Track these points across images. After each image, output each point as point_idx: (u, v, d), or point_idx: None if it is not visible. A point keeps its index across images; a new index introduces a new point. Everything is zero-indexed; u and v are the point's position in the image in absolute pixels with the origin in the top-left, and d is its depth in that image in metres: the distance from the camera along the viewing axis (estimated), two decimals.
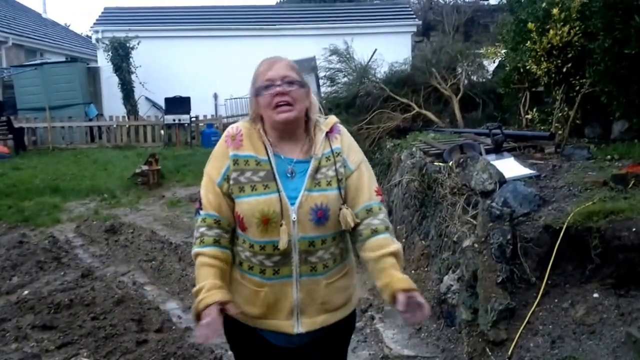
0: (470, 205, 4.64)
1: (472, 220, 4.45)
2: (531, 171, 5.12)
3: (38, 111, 15.38)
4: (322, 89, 10.84)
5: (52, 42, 23.07)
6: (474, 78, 10.23)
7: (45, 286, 5.43)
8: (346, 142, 2.16)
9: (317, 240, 2.05)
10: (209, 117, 16.37)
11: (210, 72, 17.76)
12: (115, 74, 16.82)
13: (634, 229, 3.46)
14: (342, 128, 2.20)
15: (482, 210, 4.24)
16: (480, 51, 10.33)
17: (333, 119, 2.19)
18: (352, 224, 2.06)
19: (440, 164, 5.66)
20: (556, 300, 3.65)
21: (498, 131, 6.23)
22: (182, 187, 10.21)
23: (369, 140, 8.61)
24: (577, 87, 6.43)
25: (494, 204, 4.15)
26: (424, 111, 9.10)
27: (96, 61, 19.38)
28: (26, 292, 5.25)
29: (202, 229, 2.09)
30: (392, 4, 24.07)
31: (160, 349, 4.15)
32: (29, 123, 15.23)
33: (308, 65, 11.60)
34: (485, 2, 22.44)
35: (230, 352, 3.96)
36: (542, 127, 6.92)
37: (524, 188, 4.38)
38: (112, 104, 17.35)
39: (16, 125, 14.56)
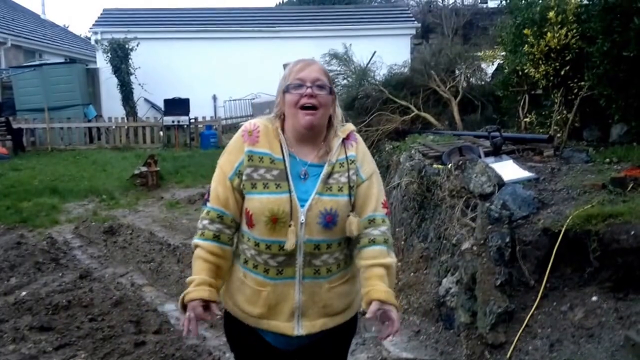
0: (469, 208, 4.65)
1: (471, 222, 4.45)
2: (530, 174, 5.12)
3: (37, 112, 15.35)
4: None
5: (51, 43, 23.06)
6: (473, 81, 10.25)
7: (43, 287, 5.42)
8: (361, 151, 2.17)
9: (322, 244, 2.06)
10: (208, 118, 16.36)
11: (209, 74, 17.77)
12: (114, 75, 16.81)
13: (632, 233, 3.46)
14: (359, 136, 2.21)
15: (481, 213, 4.24)
16: (479, 54, 10.35)
17: (350, 126, 2.20)
18: (356, 233, 2.06)
19: (439, 166, 5.67)
20: (555, 304, 3.65)
21: (497, 134, 6.24)
22: (181, 189, 10.20)
23: (368, 143, 8.61)
24: (576, 90, 6.44)
25: (492, 207, 4.16)
26: (423, 113, 9.11)
27: (95, 62, 19.37)
28: (24, 293, 5.23)
29: (205, 222, 2.11)
30: (391, 6, 24.13)
31: (159, 351, 4.13)
32: (28, 124, 15.20)
33: None
34: (484, 5, 22.47)
35: (228, 355, 3.98)
36: (541, 130, 6.93)
37: (522, 191, 4.39)
38: (111, 105, 17.35)
39: (15, 126, 14.53)
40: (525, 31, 6.66)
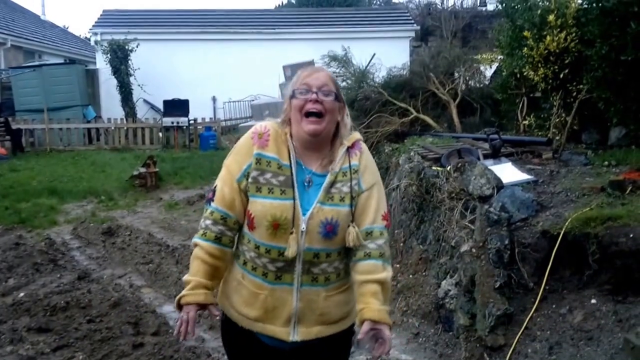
0: (468, 210, 4.65)
1: (470, 225, 4.45)
2: (529, 176, 5.13)
3: (36, 113, 15.32)
4: None
5: (50, 44, 23.06)
6: (472, 83, 10.25)
7: (41, 288, 5.41)
8: (364, 161, 2.15)
9: (322, 253, 2.06)
10: (207, 120, 16.34)
11: (208, 75, 17.76)
12: (113, 76, 16.79)
13: (631, 235, 3.47)
14: (364, 146, 2.19)
15: (480, 215, 4.24)
16: (478, 56, 10.36)
17: (357, 135, 2.19)
18: (353, 244, 2.05)
19: (438, 168, 5.67)
20: (554, 306, 3.65)
21: (496, 136, 6.24)
22: (180, 190, 10.19)
23: (367, 144, 8.47)
24: (574, 93, 6.45)
25: (491, 209, 4.16)
26: (422, 116, 9.12)
27: (95, 63, 19.36)
28: (22, 294, 5.22)
29: (208, 222, 2.10)
30: (390, 9, 24.15)
31: (157, 353, 4.13)
32: (27, 124, 15.17)
33: None
34: (483, 8, 22.50)
35: (227, 357, 3.98)
36: (540, 133, 6.94)
37: (521, 193, 4.39)
38: (111, 106, 17.32)
39: (14, 126, 14.50)
40: (525, 34, 6.68)
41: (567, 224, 3.75)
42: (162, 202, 9.32)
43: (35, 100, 15.53)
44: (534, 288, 3.76)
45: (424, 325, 4.45)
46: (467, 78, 10.19)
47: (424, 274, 5.12)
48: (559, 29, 6.42)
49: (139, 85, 16.82)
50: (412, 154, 6.64)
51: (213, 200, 2.10)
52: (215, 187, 2.13)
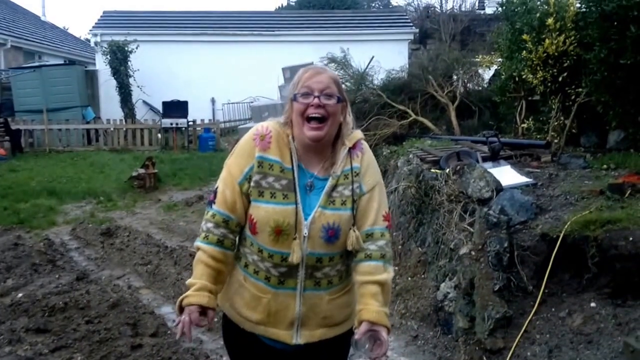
0: (467, 213, 4.66)
1: (469, 227, 4.46)
2: (528, 179, 5.14)
3: (35, 113, 15.31)
4: None
5: (50, 45, 23.07)
6: (470, 86, 10.28)
7: (40, 289, 5.39)
8: (366, 162, 2.12)
9: (325, 257, 2.04)
10: (206, 121, 16.34)
11: (208, 77, 17.77)
12: (113, 77, 16.79)
13: (631, 239, 3.47)
14: (365, 145, 2.16)
15: (479, 218, 4.25)
16: (477, 59, 10.38)
17: (358, 134, 2.15)
18: (352, 248, 2.03)
19: (437, 171, 5.68)
20: (553, 309, 3.65)
21: (495, 139, 6.25)
22: (179, 191, 10.18)
23: None
24: (573, 97, 6.47)
25: (491, 212, 4.17)
26: (420, 118, 9.14)
27: (94, 64, 19.36)
28: (20, 294, 5.21)
29: (210, 225, 2.07)
30: (389, 11, 24.20)
31: (155, 354, 4.12)
32: (26, 125, 15.16)
33: None
34: (482, 12, 22.55)
35: (225, 358, 3.97)
36: (538, 136, 6.95)
37: (521, 196, 4.40)
38: (110, 107, 17.32)
39: (13, 127, 14.48)
40: (524, 37, 6.69)
41: (566, 227, 3.76)
42: (160, 203, 9.31)
43: (34, 100, 15.53)
44: (533, 291, 3.76)
45: (423, 328, 4.45)
46: (466, 81, 10.22)
47: (422, 276, 5.12)
48: (558, 33, 6.44)
49: (138, 87, 16.82)
50: (410, 156, 6.64)
51: (214, 203, 2.07)
52: (216, 188, 2.09)
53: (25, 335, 4.36)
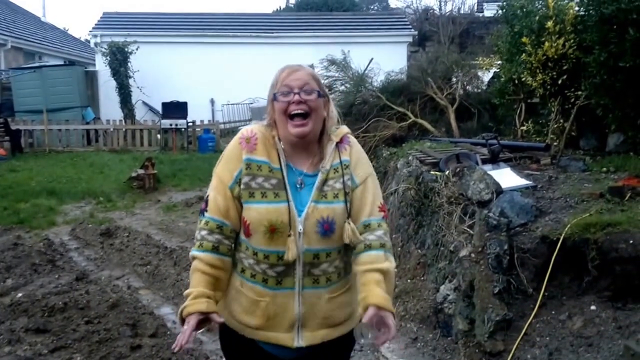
0: (467, 215, 4.66)
1: (468, 230, 4.46)
2: (527, 182, 5.15)
3: (35, 113, 15.33)
4: None
5: (50, 46, 23.08)
6: (470, 88, 10.30)
7: (40, 289, 5.40)
8: (355, 155, 2.12)
9: (322, 253, 2.03)
10: (205, 122, 16.36)
11: (207, 78, 17.78)
12: (113, 78, 16.79)
13: (631, 242, 3.48)
14: (353, 139, 2.16)
15: (479, 220, 4.25)
16: (476, 62, 10.40)
17: (344, 129, 2.15)
18: (349, 240, 2.01)
19: (437, 173, 5.68)
20: (553, 312, 3.65)
21: (494, 141, 6.26)
22: (178, 192, 10.19)
23: (366, 148, 8.57)
24: (573, 100, 6.48)
25: (490, 214, 4.17)
26: (420, 120, 9.15)
27: (94, 65, 19.36)
28: (20, 294, 5.21)
29: (204, 233, 2.04)
30: (388, 14, 24.22)
31: (155, 355, 4.12)
32: (26, 125, 15.17)
33: None
34: (481, 14, 22.59)
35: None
36: (538, 139, 6.96)
37: (520, 198, 4.41)
38: (109, 107, 17.33)
39: (13, 127, 14.50)
40: (524, 40, 6.71)
41: (566, 229, 3.76)
42: (160, 203, 9.31)
43: (34, 101, 15.55)
44: (533, 294, 3.76)
45: (423, 330, 4.45)
46: (465, 83, 10.24)
47: (422, 278, 5.12)
48: (557, 36, 6.45)
49: (138, 87, 16.82)
50: (410, 158, 6.65)
51: (207, 211, 2.06)
52: (207, 197, 2.08)
53: (24, 335, 4.36)
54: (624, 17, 5.49)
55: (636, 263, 3.45)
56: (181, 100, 16.02)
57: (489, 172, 5.07)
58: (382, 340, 1.95)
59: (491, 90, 9.22)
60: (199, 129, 15.82)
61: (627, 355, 3.15)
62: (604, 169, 5.34)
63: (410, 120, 9.15)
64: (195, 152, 14.91)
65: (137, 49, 16.69)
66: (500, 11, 8.34)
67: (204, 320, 1.96)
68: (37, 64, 18.03)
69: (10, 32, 20.05)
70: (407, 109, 9.34)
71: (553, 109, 6.68)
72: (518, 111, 7.65)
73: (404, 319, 4.65)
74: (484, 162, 5.98)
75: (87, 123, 16.10)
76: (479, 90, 10.26)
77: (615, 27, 5.60)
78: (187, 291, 2.02)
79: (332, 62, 11.25)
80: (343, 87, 10.88)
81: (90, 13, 57.46)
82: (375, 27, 19.87)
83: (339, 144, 2.10)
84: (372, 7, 31.35)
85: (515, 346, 3.53)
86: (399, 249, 5.82)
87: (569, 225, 3.78)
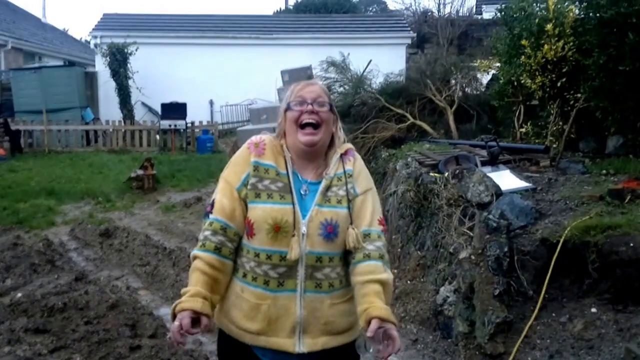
0: (466, 217, 4.67)
1: (468, 231, 4.47)
2: (527, 184, 5.15)
3: (35, 114, 15.31)
4: None
5: (50, 46, 23.07)
6: (468, 90, 10.33)
7: (39, 289, 5.38)
8: (358, 167, 2.17)
9: (324, 257, 2.03)
10: (204, 123, 16.36)
11: (206, 79, 17.77)
12: (112, 79, 16.79)
13: (631, 244, 3.48)
14: (356, 154, 2.22)
15: (478, 222, 4.26)
16: (474, 64, 10.43)
17: (348, 144, 2.21)
18: (354, 245, 2.03)
19: (436, 174, 5.69)
20: (554, 315, 3.65)
21: (494, 143, 6.27)
22: (177, 192, 10.17)
23: (364, 150, 8.67)
24: (572, 102, 6.50)
25: (490, 216, 4.18)
26: (418, 122, 9.17)
27: (94, 66, 19.34)
28: (19, 294, 5.20)
29: (207, 233, 2.05)
30: (387, 16, 24.22)
31: (154, 355, 4.11)
32: (26, 125, 15.16)
33: (304, 74, 11.66)
34: (479, 16, 22.63)
35: None
36: (537, 141, 6.98)
37: (520, 201, 4.41)
38: (109, 108, 17.31)
39: (13, 127, 14.48)
40: (523, 42, 6.72)
41: (566, 232, 3.77)
42: (159, 204, 9.30)
43: (34, 101, 15.53)
44: (533, 296, 3.77)
45: (423, 332, 4.45)
46: (464, 85, 10.26)
47: (422, 280, 5.13)
48: (556, 38, 6.47)
49: (137, 88, 16.82)
50: (409, 159, 6.66)
51: (212, 212, 2.07)
52: (213, 200, 2.10)
53: (24, 335, 4.35)
54: (623, 21, 5.51)
55: (636, 266, 3.46)
56: (180, 101, 16.02)
57: (489, 174, 5.09)
58: (387, 353, 1.93)
59: (490, 92, 9.24)
60: (197, 130, 15.82)
61: (628, 358, 3.15)
62: (604, 171, 5.34)
63: (409, 122, 9.17)
64: (194, 153, 14.91)
65: (136, 50, 16.69)
66: (499, 13, 8.36)
67: (195, 320, 1.93)
68: (37, 65, 18.06)
69: (10, 32, 20.04)
70: (406, 110, 9.37)
71: (552, 111, 6.70)
72: (517, 113, 7.67)
73: (403, 321, 4.65)
74: (484, 164, 6.00)
75: (87, 123, 16.09)
76: (478, 92, 10.29)
77: (614, 30, 5.62)
78: (184, 289, 2.02)
79: (332, 63, 11.28)
80: (342, 89, 10.92)
81: (90, 14, 57.48)
82: (374, 29, 19.89)
83: (343, 156, 2.16)
84: (370, 9, 31.37)
85: (515, 348, 3.53)
86: (399, 250, 5.83)
87: (569, 228, 3.79)
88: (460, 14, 23.30)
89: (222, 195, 2.08)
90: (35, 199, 9.19)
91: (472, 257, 4.08)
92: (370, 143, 8.85)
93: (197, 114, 16.35)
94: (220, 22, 20.32)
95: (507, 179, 5.29)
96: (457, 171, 5.29)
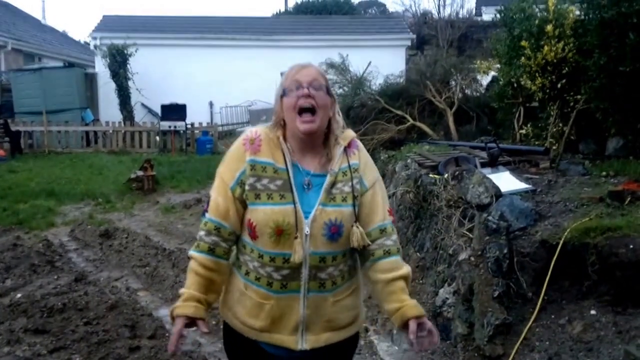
0: (466, 218, 4.66)
1: (468, 233, 4.46)
2: (527, 185, 5.15)
3: (35, 115, 15.35)
4: None
5: (50, 48, 23.11)
6: (468, 92, 10.34)
7: (39, 290, 5.38)
8: (363, 159, 2.12)
9: (328, 257, 2.00)
10: (204, 124, 16.38)
11: (206, 81, 17.80)
12: (112, 80, 16.82)
13: (631, 246, 3.47)
14: (360, 144, 2.16)
15: (478, 224, 4.25)
16: (474, 65, 10.43)
17: (351, 133, 2.14)
18: (363, 243, 2.01)
19: (436, 176, 5.68)
20: (553, 316, 3.64)
21: (494, 145, 6.27)
22: (177, 193, 10.17)
23: None
24: (572, 103, 6.50)
25: (490, 218, 4.17)
26: (418, 123, 9.18)
27: (94, 67, 19.37)
28: (19, 295, 5.20)
29: (202, 233, 2.05)
30: (386, 17, 24.26)
31: (153, 356, 4.10)
32: (26, 126, 15.20)
33: None
34: (479, 18, 22.64)
35: None
36: (536, 142, 6.98)
37: (520, 202, 4.41)
38: (109, 109, 17.34)
39: (13, 128, 14.51)
40: (523, 43, 6.72)
41: (566, 233, 3.76)
42: (159, 205, 9.30)
43: (34, 102, 15.57)
44: (532, 298, 3.76)
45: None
46: (464, 86, 10.28)
47: (421, 281, 5.12)
48: (556, 39, 6.47)
49: (137, 89, 16.85)
50: (408, 161, 6.66)
51: (207, 211, 2.06)
52: (209, 198, 2.08)
53: (24, 335, 4.35)
54: (624, 21, 5.51)
55: (636, 268, 3.44)
56: (180, 102, 16.04)
57: (488, 176, 5.08)
58: (427, 344, 2.02)
59: (490, 94, 9.25)
60: (197, 131, 15.84)
61: None
62: (604, 173, 5.34)
63: (408, 124, 9.18)
64: (193, 154, 14.92)
65: (136, 51, 16.71)
66: (498, 15, 8.37)
67: (191, 323, 1.98)
68: (37, 66, 18.06)
69: (10, 34, 20.08)
70: (406, 112, 9.38)
71: (552, 113, 6.69)
72: (517, 115, 7.67)
73: None
74: (483, 165, 5.99)
75: (87, 124, 16.11)
76: (478, 94, 10.30)
77: (615, 31, 5.62)
78: (180, 290, 2.04)
79: (331, 65, 11.29)
80: (341, 90, 10.92)
81: (90, 16, 57.41)
82: (374, 30, 19.91)
83: (347, 148, 2.09)
84: (370, 10, 31.39)
85: (514, 350, 3.52)
86: None
87: (568, 230, 3.78)
88: (460, 15, 23.34)
89: (217, 193, 2.06)
90: (35, 199, 9.19)
91: (472, 258, 4.07)
92: (370, 145, 8.84)
93: (196, 116, 16.37)
94: (220, 23, 20.33)
95: (506, 181, 5.28)
96: (457, 173, 5.28)
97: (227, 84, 17.64)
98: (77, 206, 9.19)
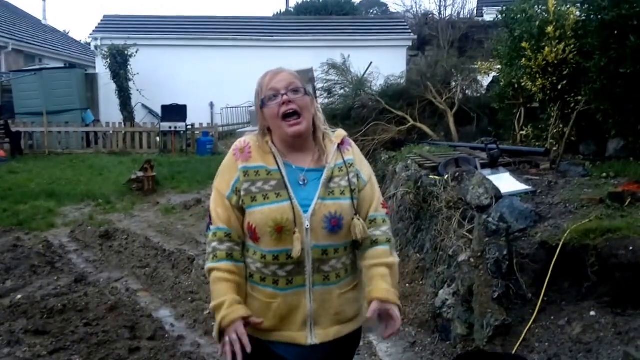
0: (466, 220, 4.66)
1: (468, 234, 4.46)
2: (527, 187, 5.14)
3: (35, 116, 15.38)
4: (319, 101, 10.89)
5: (51, 48, 23.17)
6: (469, 93, 10.33)
7: (39, 291, 5.40)
8: (357, 155, 2.19)
9: (330, 249, 2.04)
10: (204, 125, 16.39)
11: (206, 81, 17.82)
12: (112, 81, 16.84)
13: (631, 248, 3.46)
14: (352, 141, 2.23)
15: (478, 225, 4.25)
16: (475, 66, 10.42)
17: (342, 132, 2.21)
18: (362, 236, 2.05)
19: (436, 177, 5.68)
20: (552, 318, 3.64)
21: (494, 146, 6.27)
22: (177, 194, 10.19)
23: (364, 152, 8.64)
24: (572, 105, 6.49)
25: (490, 219, 4.17)
26: (419, 124, 9.17)
27: (94, 68, 19.41)
28: (19, 296, 5.21)
29: (214, 244, 2.07)
30: (387, 18, 24.25)
31: (153, 357, 4.12)
32: (26, 127, 15.23)
33: (306, 76, 11.65)
34: (480, 19, 22.61)
35: None
36: (537, 144, 6.97)
37: (520, 204, 4.40)
38: (109, 110, 17.37)
39: (13, 129, 14.55)
40: (524, 44, 6.72)
41: (565, 235, 3.76)
42: (159, 206, 9.31)
43: (35, 103, 15.60)
44: (532, 299, 3.75)
45: (421, 335, 4.44)
46: (465, 87, 10.27)
47: (421, 282, 5.12)
48: (557, 41, 6.46)
49: (137, 90, 16.86)
50: (409, 162, 6.65)
51: (212, 223, 2.10)
52: (209, 212, 2.13)
53: (24, 336, 4.36)
54: (624, 23, 5.51)
55: (636, 269, 3.44)
56: (181, 103, 16.06)
57: (488, 177, 5.07)
58: (388, 333, 2.02)
59: (490, 95, 9.24)
60: (197, 132, 15.85)
61: None
62: (604, 174, 5.33)
63: (409, 124, 9.18)
64: (194, 155, 14.94)
65: (137, 52, 16.73)
66: (499, 16, 8.36)
67: (245, 325, 1.99)
68: (37, 67, 18.14)
69: (11, 34, 20.13)
70: (407, 113, 9.37)
71: (553, 114, 6.68)
72: (517, 116, 7.66)
73: (402, 323, 4.63)
74: (483, 166, 5.99)
75: (87, 125, 16.13)
76: (479, 95, 10.29)
77: (615, 32, 5.62)
78: (214, 303, 2.02)
79: (332, 66, 11.29)
80: (342, 91, 10.92)
81: (91, 16, 57.45)
82: (375, 31, 19.92)
83: (340, 146, 2.15)
84: (371, 11, 31.40)
85: (514, 351, 3.52)
86: (398, 252, 5.81)
87: (568, 231, 3.78)
88: (461, 16, 23.31)
89: (216, 205, 2.10)
90: (35, 200, 9.20)
91: (472, 259, 4.07)
92: (370, 146, 8.85)
93: (197, 116, 16.39)
94: (221, 24, 20.36)
95: (506, 182, 5.28)
96: (457, 174, 5.28)
97: (228, 85, 17.64)
98: (77, 207, 9.20)
